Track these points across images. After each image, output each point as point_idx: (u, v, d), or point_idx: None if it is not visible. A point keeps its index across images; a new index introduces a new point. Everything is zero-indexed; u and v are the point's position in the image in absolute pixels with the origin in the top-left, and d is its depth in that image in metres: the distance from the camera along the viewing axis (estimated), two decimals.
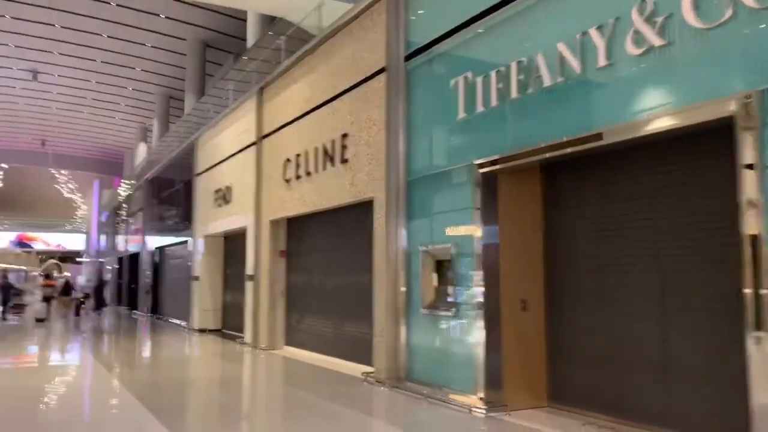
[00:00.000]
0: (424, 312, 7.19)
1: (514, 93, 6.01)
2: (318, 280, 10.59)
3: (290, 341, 11.46)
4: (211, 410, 7.07)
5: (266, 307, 11.58)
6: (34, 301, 21.19)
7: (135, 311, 23.96)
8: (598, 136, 5.13)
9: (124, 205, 30.10)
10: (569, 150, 5.41)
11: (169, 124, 31.08)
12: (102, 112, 37.52)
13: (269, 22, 15.11)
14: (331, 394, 7.43)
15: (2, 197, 59.14)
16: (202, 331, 15.37)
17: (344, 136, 9.06)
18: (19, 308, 20.37)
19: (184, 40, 25.78)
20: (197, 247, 16.01)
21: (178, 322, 18.14)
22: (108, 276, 32.64)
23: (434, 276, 7.13)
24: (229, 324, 15.23)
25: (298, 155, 10.54)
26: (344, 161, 9.03)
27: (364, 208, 8.69)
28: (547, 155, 5.65)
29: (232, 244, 15.21)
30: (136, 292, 24.57)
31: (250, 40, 15.93)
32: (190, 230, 16.78)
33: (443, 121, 7.04)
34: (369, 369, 8.25)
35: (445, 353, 6.84)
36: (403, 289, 7.52)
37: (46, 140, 45.47)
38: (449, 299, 6.83)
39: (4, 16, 25.35)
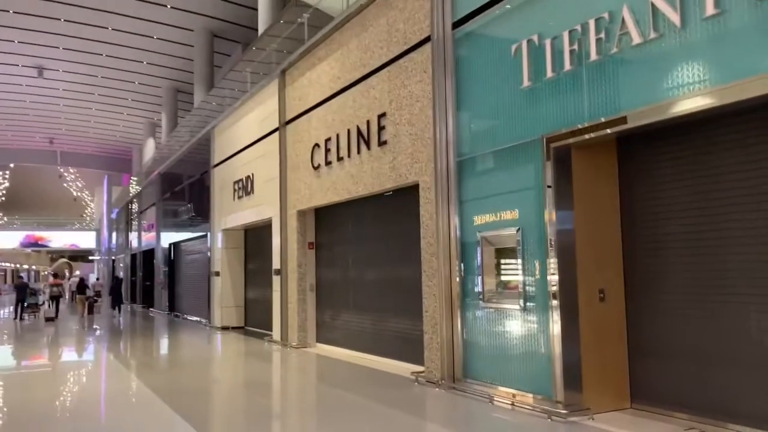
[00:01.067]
0: (484, 305, 6.51)
1: (593, 54, 5.28)
2: (354, 273, 9.92)
3: (322, 338, 10.82)
4: (252, 415, 6.43)
5: (296, 303, 10.93)
6: (47, 301, 21.20)
7: (151, 309, 23.41)
8: (709, 98, 4.40)
9: (135, 201, 29.54)
10: (669, 116, 4.69)
11: (177, 118, 30.52)
12: (109, 108, 36.96)
13: (281, 6, 14.36)
14: (381, 397, 6.76)
15: (11, 197, 58.92)
16: (224, 328, 14.76)
17: (382, 116, 8.36)
18: (34, 308, 20.23)
19: (191, 30, 25.11)
20: (216, 242, 15.38)
21: (197, 319, 17.56)
22: (120, 273, 32.17)
23: (495, 265, 6.44)
24: (253, 321, 14.62)
25: (327, 140, 9.85)
26: (382, 143, 8.33)
27: (408, 193, 8.01)
28: (633, 125, 4.94)
29: (254, 237, 14.57)
30: (151, 289, 24.03)
31: (262, 25, 15.13)
32: (208, 224, 16.15)
33: (502, 92, 6.32)
34: (418, 368, 7.60)
35: (511, 350, 6.16)
36: (458, 280, 6.83)
37: (54, 138, 45.06)
38: (514, 290, 6.13)
39: (7, 10, 24.77)
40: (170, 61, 29.37)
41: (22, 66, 30.63)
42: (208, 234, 16.15)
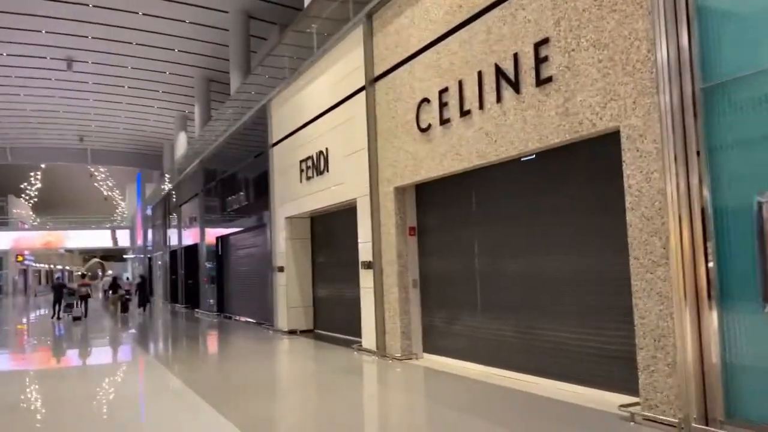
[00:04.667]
0: None
1: None
2: (483, 264, 7.58)
3: (432, 347, 8.55)
4: None
5: (396, 303, 8.68)
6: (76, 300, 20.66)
7: (196, 309, 21.45)
8: None
9: (173, 196, 27.70)
10: None
11: (211, 110, 28.78)
12: (139, 101, 35.51)
13: None
14: None
15: (43, 197, 58.02)
16: (292, 332, 12.59)
17: (541, 43, 6.02)
18: (71, 307, 20.03)
19: (226, 12, 23.26)
20: (278, 233, 13.21)
21: (252, 321, 15.48)
22: (158, 272, 30.50)
23: None
24: (324, 323, 12.43)
25: (443, 91, 7.54)
26: (543, 82, 5.99)
27: (588, 147, 5.70)
28: None
29: (323, 224, 12.37)
30: (195, 288, 22.08)
31: None
32: (266, 213, 14.00)
33: None
34: (609, 396, 5.29)
35: None
36: (709, 271, 4.47)
37: (84, 136, 43.87)
38: None
39: None
40: (203, 48, 27.60)
41: (51, 59, 29.17)
42: (267, 224, 13.99)
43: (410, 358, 8.56)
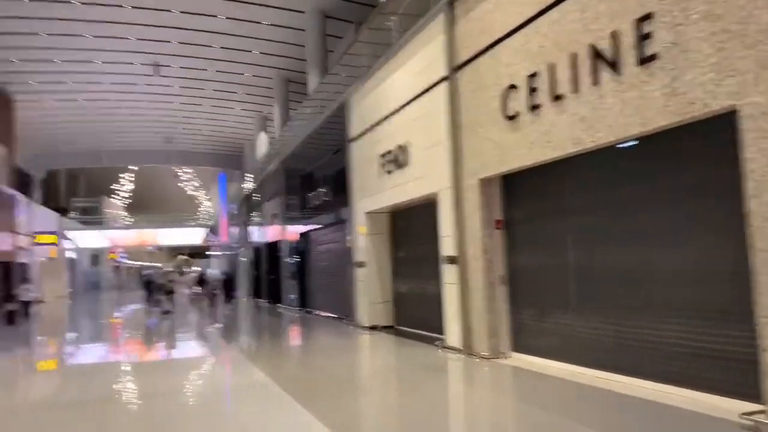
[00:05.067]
0: None
1: None
2: (579, 258, 7.15)
3: (522, 346, 8.18)
4: None
5: (482, 300, 8.38)
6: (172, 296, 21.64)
7: (278, 304, 21.85)
8: None
9: (255, 194, 28.40)
10: None
11: (289, 110, 29.28)
12: (221, 103, 36.60)
13: None
14: None
15: (133, 197, 61.10)
16: (372, 328, 12.50)
17: (643, 19, 5.56)
18: (159, 302, 21.03)
19: (302, 12, 23.53)
20: (358, 228, 13.16)
21: (332, 316, 15.55)
22: (242, 268, 31.37)
23: None
24: (405, 319, 12.27)
25: (532, 75, 7.17)
26: (646, 61, 5.53)
27: (697, 129, 5.22)
28: None
29: (403, 219, 12.20)
30: (277, 283, 22.50)
31: None
32: (345, 209, 13.99)
33: None
34: (744, 405, 4.80)
35: None
36: None
37: (170, 137, 45.71)
38: None
39: (122, 5, 24.21)
40: (281, 49, 28.11)
41: (139, 64, 30.52)
42: (347, 220, 13.99)
43: (498, 357, 8.24)
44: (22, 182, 36.46)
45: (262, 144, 35.96)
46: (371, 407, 6.59)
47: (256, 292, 27.21)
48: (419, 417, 5.74)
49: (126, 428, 5.83)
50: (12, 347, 13.35)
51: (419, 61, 10.08)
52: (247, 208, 30.84)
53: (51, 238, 34.70)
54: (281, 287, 21.77)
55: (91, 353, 12.72)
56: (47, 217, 37.14)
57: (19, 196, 32.42)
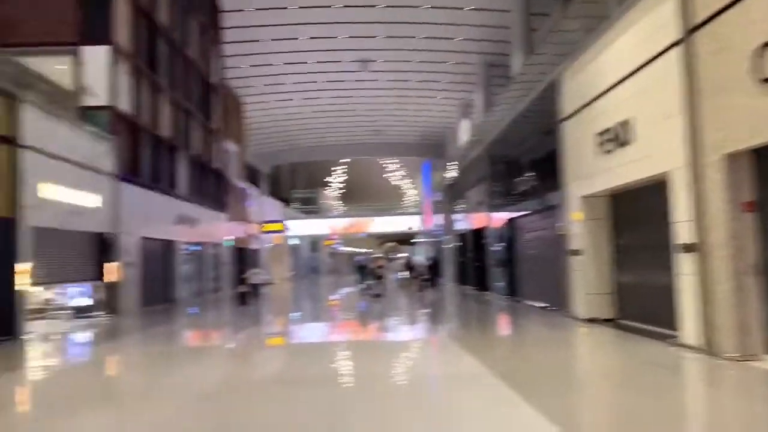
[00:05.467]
0: None
1: None
2: None
3: None
4: None
5: (728, 293, 7.29)
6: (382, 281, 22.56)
7: (485, 291, 21.68)
8: None
9: (458, 182, 28.51)
10: None
11: (491, 95, 28.81)
12: (424, 93, 37.31)
13: None
14: None
15: (346, 188, 65.37)
16: (590, 320, 11.70)
17: None
18: (371, 287, 21.97)
19: None
20: (571, 214, 12.39)
21: (542, 306, 14.91)
22: (446, 255, 31.77)
23: None
24: (628, 313, 11.25)
25: None
26: None
27: None
28: None
29: (626, 202, 11.17)
30: (483, 270, 22.34)
31: None
32: (557, 193, 13.26)
33: None
34: None
35: None
36: None
37: (378, 130, 47.78)
38: None
39: (332, 6, 25.75)
40: (484, 33, 27.77)
41: (348, 62, 32.27)
42: (557, 205, 13.27)
43: (748, 359, 7.12)
44: (252, 176, 40.97)
45: (465, 131, 35.98)
46: (601, 408, 6.05)
47: (462, 279, 27.35)
48: (656, 424, 5.10)
49: (351, 413, 6.01)
50: (245, 325, 14.89)
51: (644, 27, 9.07)
52: (450, 196, 31.11)
53: (277, 226, 38.40)
54: (487, 274, 21.56)
55: (312, 332, 13.75)
56: (273, 207, 41.26)
57: (250, 189, 36.44)
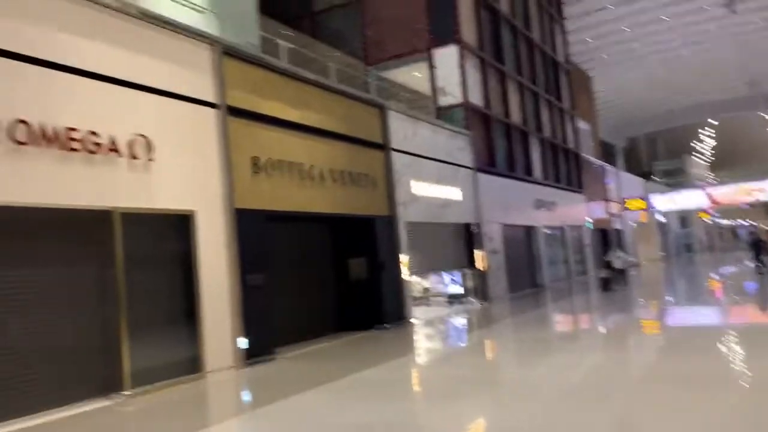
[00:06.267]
0: None
1: None
2: None
3: None
4: None
5: None
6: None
7: None
8: None
9: None
10: None
11: None
12: None
13: None
14: None
15: (717, 153, 57.24)
16: None
17: None
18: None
19: None
20: None
21: None
22: None
23: None
24: None
25: None
26: None
27: None
28: None
29: None
30: None
31: None
32: None
33: None
34: None
35: None
36: None
37: (754, 80, 40.74)
38: None
39: None
40: None
41: (709, 6, 28.06)
42: None
43: None
44: (607, 152, 38.83)
45: None
46: None
47: None
48: None
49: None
50: (613, 312, 13.84)
51: None
52: None
53: (639, 203, 35.57)
54: None
55: (692, 318, 12.05)
56: (633, 182, 38.33)
57: (606, 166, 34.49)
